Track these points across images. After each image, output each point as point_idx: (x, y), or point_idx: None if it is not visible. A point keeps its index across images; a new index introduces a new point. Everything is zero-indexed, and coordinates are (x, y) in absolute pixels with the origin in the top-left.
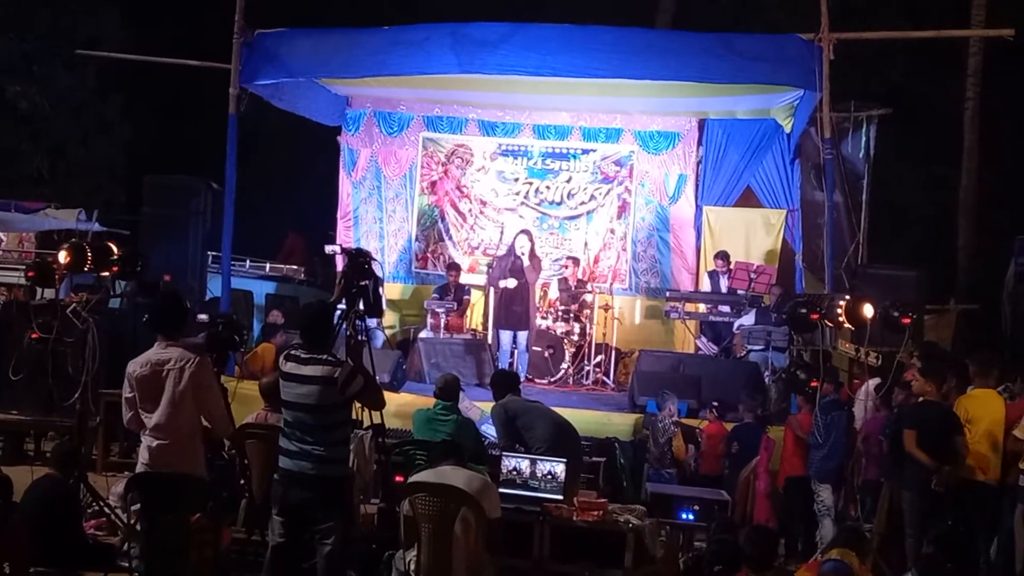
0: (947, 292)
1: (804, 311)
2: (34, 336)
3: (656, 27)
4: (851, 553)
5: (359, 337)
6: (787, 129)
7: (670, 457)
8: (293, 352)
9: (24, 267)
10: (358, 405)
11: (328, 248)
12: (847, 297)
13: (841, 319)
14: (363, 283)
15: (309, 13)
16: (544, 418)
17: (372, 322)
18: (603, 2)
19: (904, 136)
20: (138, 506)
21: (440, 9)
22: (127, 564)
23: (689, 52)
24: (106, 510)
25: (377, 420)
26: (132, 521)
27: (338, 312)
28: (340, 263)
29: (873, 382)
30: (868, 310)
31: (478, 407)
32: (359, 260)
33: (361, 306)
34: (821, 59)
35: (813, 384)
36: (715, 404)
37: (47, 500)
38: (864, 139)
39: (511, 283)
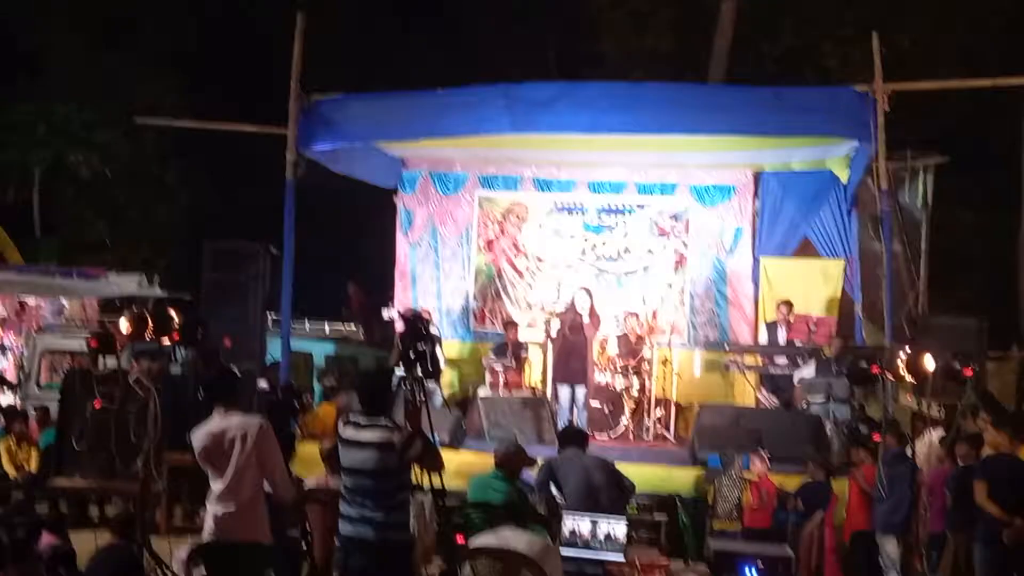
0: (1009, 338)
1: (864, 364)
2: (97, 405)
3: (709, 77)
4: None
5: (418, 400)
6: (843, 180)
7: (738, 514)
8: (352, 418)
9: (87, 335)
10: (417, 468)
11: (385, 313)
12: (908, 349)
13: (902, 372)
14: (421, 348)
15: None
16: (577, 473)
17: (430, 382)
18: (660, 57)
19: (962, 182)
20: (203, 573)
21: (499, 71)
22: None
23: (742, 106)
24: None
25: (437, 482)
26: None
27: (396, 376)
28: (398, 327)
29: (936, 434)
30: (929, 362)
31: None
32: (417, 325)
33: (419, 370)
34: (875, 110)
35: (876, 437)
36: (765, 452)
37: (111, 568)
38: (921, 187)
39: (556, 323)
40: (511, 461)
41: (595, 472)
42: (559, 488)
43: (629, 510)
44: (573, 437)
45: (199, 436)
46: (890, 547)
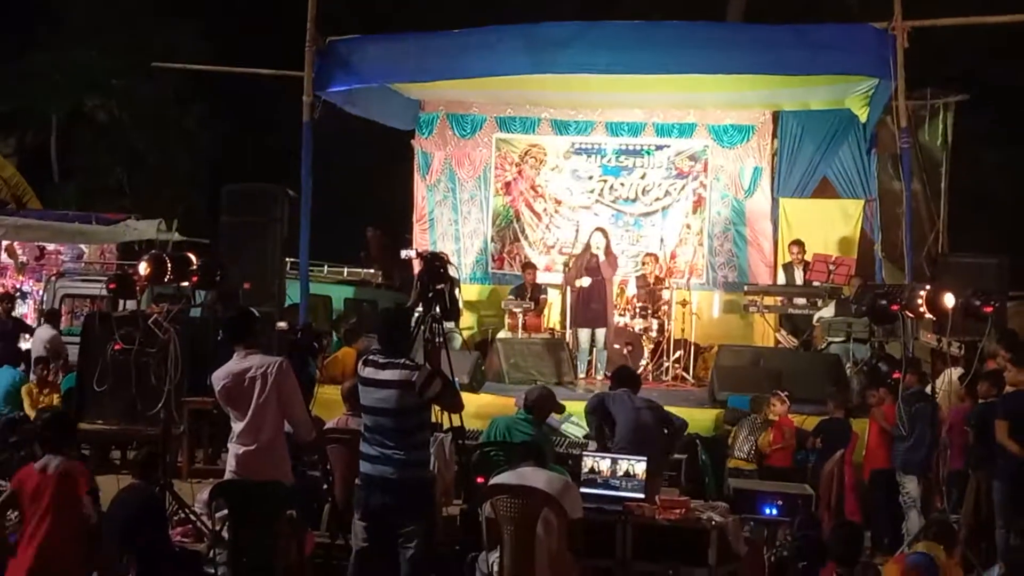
0: None
1: (884, 302)
2: (117, 347)
3: (728, 17)
4: (938, 546)
5: (436, 340)
6: (863, 119)
7: (755, 455)
8: (371, 357)
9: (106, 279)
10: (437, 408)
11: (404, 253)
12: (927, 287)
13: (922, 309)
14: (439, 287)
15: (383, 19)
16: (627, 412)
17: (449, 324)
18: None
19: (983, 121)
20: (224, 513)
21: (514, 8)
22: (213, 571)
23: (760, 45)
24: (192, 517)
25: (457, 422)
26: (218, 528)
27: (415, 316)
28: (416, 267)
29: (956, 372)
30: (949, 300)
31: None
32: (435, 264)
33: (438, 310)
34: (895, 47)
35: (896, 376)
36: (785, 392)
37: (133, 509)
38: (942, 126)
39: (586, 282)
40: (541, 406)
41: (645, 412)
42: (608, 423)
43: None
44: (626, 379)
45: (219, 376)
46: (911, 486)
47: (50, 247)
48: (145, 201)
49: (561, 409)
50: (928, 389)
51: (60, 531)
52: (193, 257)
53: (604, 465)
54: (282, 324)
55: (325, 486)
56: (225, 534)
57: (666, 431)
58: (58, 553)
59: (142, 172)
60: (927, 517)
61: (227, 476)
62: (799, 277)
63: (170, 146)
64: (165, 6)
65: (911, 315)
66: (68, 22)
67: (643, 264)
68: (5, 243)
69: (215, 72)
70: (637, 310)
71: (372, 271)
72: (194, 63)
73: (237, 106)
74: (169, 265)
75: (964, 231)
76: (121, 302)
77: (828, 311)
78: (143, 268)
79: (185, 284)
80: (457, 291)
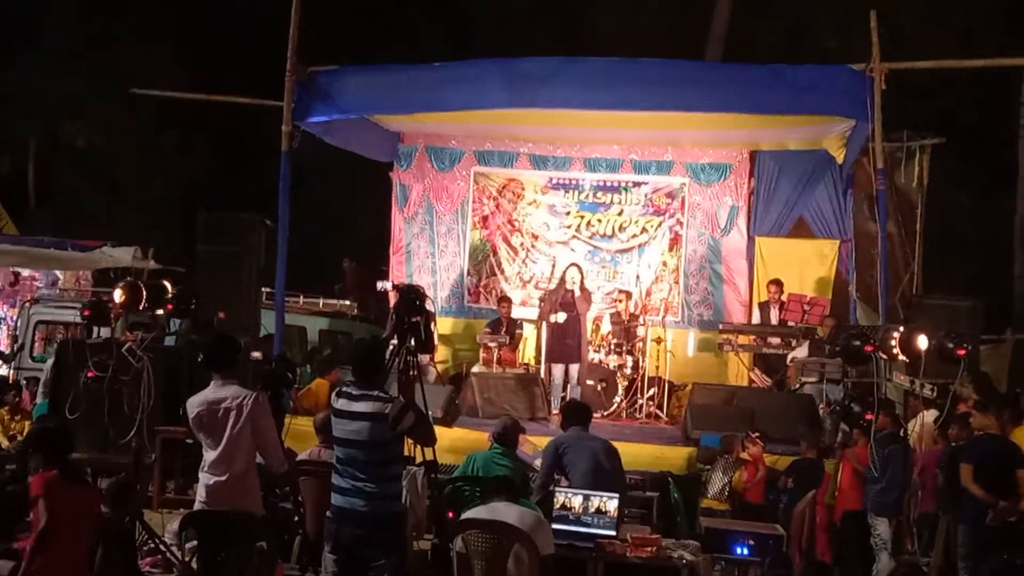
0: (1004, 322)
1: (858, 343)
2: (90, 375)
3: (707, 58)
4: None
5: (411, 373)
6: (839, 160)
7: (729, 495)
8: (345, 389)
9: (80, 306)
10: (410, 441)
11: (379, 285)
12: (901, 328)
13: (895, 351)
14: (415, 319)
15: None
16: (587, 458)
17: (424, 357)
18: (657, 34)
19: (959, 164)
20: (194, 544)
21: (496, 44)
22: None
23: (739, 84)
24: (161, 548)
25: (430, 456)
26: (187, 559)
27: (390, 348)
28: (392, 299)
29: (929, 414)
30: (922, 341)
31: (531, 441)
32: (411, 296)
33: (413, 342)
34: (872, 89)
35: (868, 417)
36: (756, 433)
37: (102, 538)
38: (917, 168)
39: (561, 317)
40: (511, 435)
41: (603, 456)
42: (564, 473)
43: None
44: (577, 414)
45: (194, 403)
46: (882, 527)
47: (25, 273)
48: (122, 228)
49: (523, 430)
50: (901, 432)
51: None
52: (168, 285)
53: (576, 501)
54: (256, 354)
55: (296, 518)
56: (195, 565)
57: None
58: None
59: (119, 199)
60: (898, 559)
61: (197, 506)
62: (775, 316)
63: (148, 173)
64: (145, 32)
65: (885, 356)
66: (46, 45)
67: (618, 301)
68: None
69: (194, 100)
70: (612, 347)
71: (348, 303)
72: (173, 89)
73: (216, 134)
74: (144, 293)
75: (938, 273)
76: (95, 329)
77: (802, 351)
78: (118, 295)
79: (160, 312)
80: (433, 324)
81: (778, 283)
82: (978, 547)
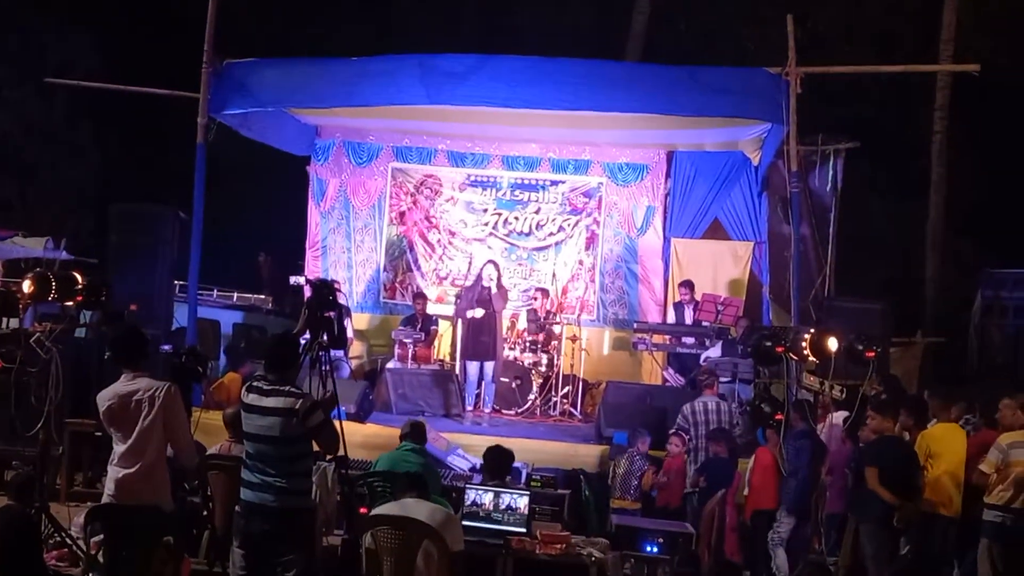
0: (915, 324)
1: (769, 344)
2: None
3: (627, 54)
4: None
5: (323, 368)
6: (755, 162)
7: (638, 492)
8: (255, 384)
9: None
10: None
11: (293, 279)
12: (812, 330)
13: (806, 352)
14: (328, 314)
15: (280, 43)
16: None
17: (339, 352)
18: (579, 31)
19: (872, 169)
20: (100, 537)
21: (416, 40)
22: None
23: (656, 85)
24: (68, 541)
25: (340, 452)
26: (94, 552)
27: (303, 343)
28: (306, 293)
29: (839, 415)
30: (832, 343)
31: (444, 438)
32: (324, 291)
33: (326, 337)
34: (788, 92)
35: (778, 417)
36: (681, 432)
37: (7, 531)
38: (831, 172)
39: (478, 313)
40: (417, 431)
41: None
42: None
43: (532, 484)
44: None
45: (105, 396)
46: (785, 524)
47: None
48: (34, 218)
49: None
50: (811, 431)
51: None
52: (79, 276)
53: (487, 499)
54: (167, 346)
55: (205, 512)
56: (101, 559)
57: None
58: None
59: (32, 188)
60: (805, 559)
61: (105, 499)
62: (689, 316)
63: (62, 162)
64: (61, 18)
65: (795, 357)
66: None
67: (534, 299)
68: None
69: (110, 90)
70: (527, 344)
71: (262, 296)
72: (88, 78)
73: (132, 124)
74: (54, 284)
75: (850, 276)
76: (3, 320)
77: (715, 351)
78: (27, 286)
79: (70, 303)
80: (347, 320)
81: (689, 285)
82: (885, 547)
